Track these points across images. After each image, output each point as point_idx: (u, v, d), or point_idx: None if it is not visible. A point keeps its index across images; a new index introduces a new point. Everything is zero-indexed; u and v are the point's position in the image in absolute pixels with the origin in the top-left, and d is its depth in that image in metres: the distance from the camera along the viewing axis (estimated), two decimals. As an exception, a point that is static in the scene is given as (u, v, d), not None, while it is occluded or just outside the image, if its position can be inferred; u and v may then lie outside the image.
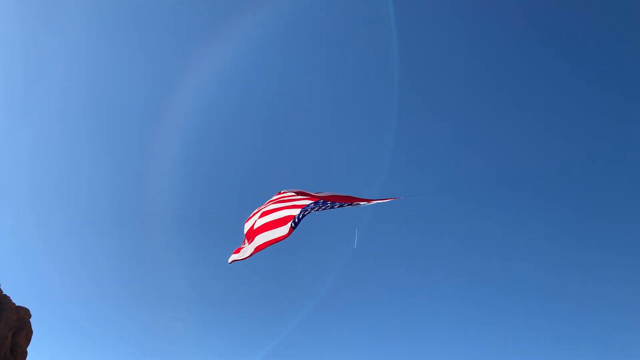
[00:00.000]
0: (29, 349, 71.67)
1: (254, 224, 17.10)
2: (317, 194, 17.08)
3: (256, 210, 17.50)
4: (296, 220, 16.52)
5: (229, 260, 17.41)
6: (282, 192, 17.84)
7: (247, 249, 17.04)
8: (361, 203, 16.93)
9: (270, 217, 16.93)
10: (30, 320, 72.92)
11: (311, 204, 16.85)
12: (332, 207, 17.07)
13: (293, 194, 17.35)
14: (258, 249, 16.75)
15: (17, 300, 72.24)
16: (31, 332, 71.93)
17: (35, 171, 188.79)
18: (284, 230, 16.51)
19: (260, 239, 16.81)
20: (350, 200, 16.92)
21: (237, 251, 17.49)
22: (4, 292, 71.50)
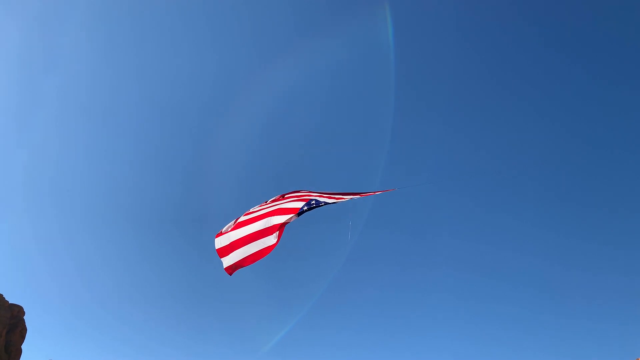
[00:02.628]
0: (23, 346, 71.63)
1: (238, 229, 16.23)
2: (307, 193, 16.88)
3: (242, 216, 16.79)
4: (283, 227, 15.90)
5: (230, 273, 16.10)
6: (275, 198, 17.45)
7: (233, 257, 16.06)
8: (354, 197, 16.84)
9: (258, 226, 16.13)
10: (24, 317, 72.76)
11: (304, 205, 16.27)
12: (326, 204, 16.72)
13: (281, 197, 16.93)
14: (247, 262, 15.92)
15: (11, 298, 72.05)
16: (25, 329, 71.85)
17: (33, 171, 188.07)
18: (272, 239, 15.78)
19: (249, 250, 15.98)
20: (342, 196, 16.81)
21: (223, 252, 16.19)
22: (-2, 290, 71.30)
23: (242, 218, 16.69)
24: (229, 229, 16.59)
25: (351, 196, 16.58)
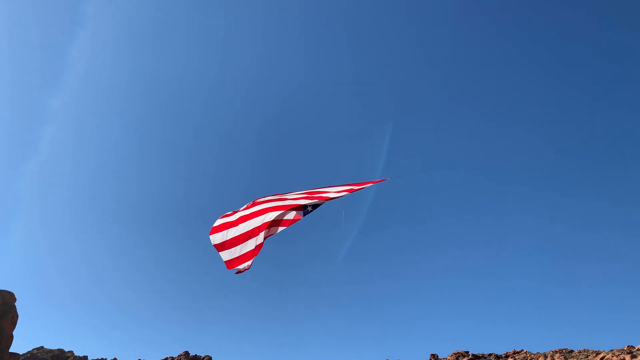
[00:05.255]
0: (14, 332, 71.20)
1: (239, 245, 16.63)
2: (299, 196, 16.73)
3: (232, 227, 16.99)
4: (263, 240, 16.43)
5: (236, 272, 16.70)
6: (258, 200, 17.43)
7: (239, 264, 16.60)
8: (344, 194, 16.60)
9: (254, 243, 16.47)
10: (16, 304, 72.25)
11: (302, 213, 16.53)
12: (320, 205, 16.75)
13: (269, 201, 16.98)
14: (246, 269, 16.49)
15: (1, 285, 71.53)
16: (17, 316, 71.30)
17: (43, 170, 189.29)
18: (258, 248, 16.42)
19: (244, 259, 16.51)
20: (335, 193, 16.56)
21: (232, 264, 16.73)
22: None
23: (235, 232, 16.84)
24: (226, 240, 16.90)
25: (343, 192, 16.36)
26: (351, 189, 16.81)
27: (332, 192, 16.69)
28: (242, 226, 16.68)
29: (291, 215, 16.71)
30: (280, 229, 16.74)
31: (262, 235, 16.42)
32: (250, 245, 16.41)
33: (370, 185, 17.06)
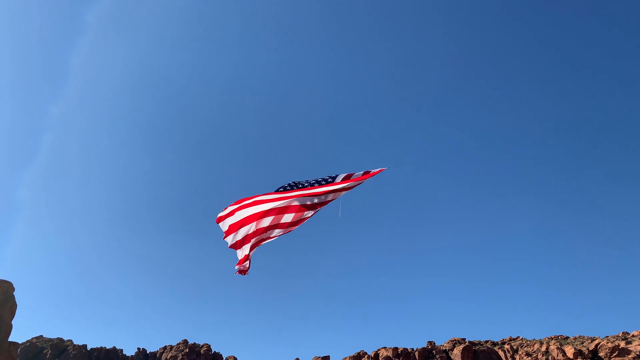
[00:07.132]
0: (13, 322, 71.32)
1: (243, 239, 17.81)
2: (291, 197, 16.86)
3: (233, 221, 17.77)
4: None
5: (240, 274, 18.12)
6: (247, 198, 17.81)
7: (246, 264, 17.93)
8: (342, 191, 16.61)
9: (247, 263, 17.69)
10: (14, 293, 72.30)
11: (307, 214, 17.23)
12: (318, 210, 17.23)
13: (269, 215, 17.51)
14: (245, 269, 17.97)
15: (1, 274, 71.41)
16: (15, 305, 71.33)
17: (43, 176, 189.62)
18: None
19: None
20: (336, 190, 16.58)
21: (241, 262, 18.00)
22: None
23: (245, 250, 17.80)
24: (241, 259, 18.04)
25: (343, 188, 16.32)
26: (351, 186, 16.68)
27: (331, 192, 16.74)
28: (247, 246, 17.86)
29: (280, 232, 17.70)
30: (273, 238, 18.00)
31: (255, 249, 17.93)
32: (247, 264, 17.84)
33: (370, 178, 16.92)
